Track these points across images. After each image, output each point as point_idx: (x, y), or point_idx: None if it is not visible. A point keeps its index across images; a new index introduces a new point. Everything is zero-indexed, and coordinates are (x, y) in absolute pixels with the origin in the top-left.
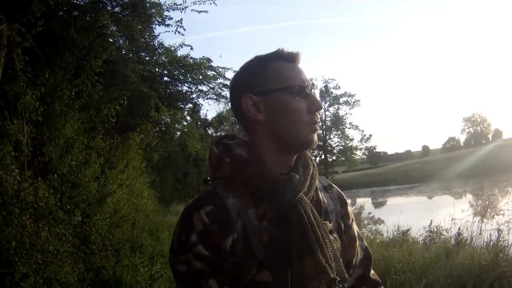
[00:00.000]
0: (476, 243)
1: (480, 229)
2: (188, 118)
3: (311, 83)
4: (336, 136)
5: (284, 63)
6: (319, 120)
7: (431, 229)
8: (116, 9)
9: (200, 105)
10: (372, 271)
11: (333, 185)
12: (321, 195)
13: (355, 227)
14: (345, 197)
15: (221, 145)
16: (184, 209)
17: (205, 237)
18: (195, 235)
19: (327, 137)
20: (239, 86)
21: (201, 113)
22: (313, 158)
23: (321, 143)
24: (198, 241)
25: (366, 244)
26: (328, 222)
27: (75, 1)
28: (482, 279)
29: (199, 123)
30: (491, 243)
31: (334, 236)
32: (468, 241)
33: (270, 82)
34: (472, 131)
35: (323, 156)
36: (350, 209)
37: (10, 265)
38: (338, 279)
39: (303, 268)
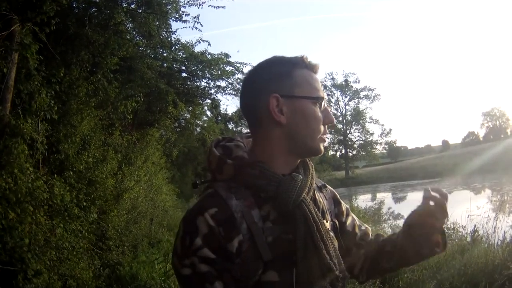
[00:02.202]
0: (492, 240)
1: (494, 227)
2: (208, 113)
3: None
4: (357, 131)
5: (309, 72)
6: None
7: (448, 226)
8: (132, 6)
9: (219, 101)
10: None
11: (327, 185)
12: (317, 195)
13: (350, 219)
14: (338, 196)
15: (220, 147)
16: (186, 212)
17: (211, 240)
18: (200, 238)
19: (348, 131)
20: (262, 84)
21: (221, 108)
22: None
23: (341, 138)
24: (204, 244)
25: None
26: (325, 221)
27: None
28: (494, 278)
29: (219, 118)
30: (505, 241)
31: (332, 234)
32: (484, 239)
33: (298, 87)
34: (491, 126)
35: (343, 151)
36: (344, 206)
37: (23, 262)
38: (341, 276)
39: (309, 267)
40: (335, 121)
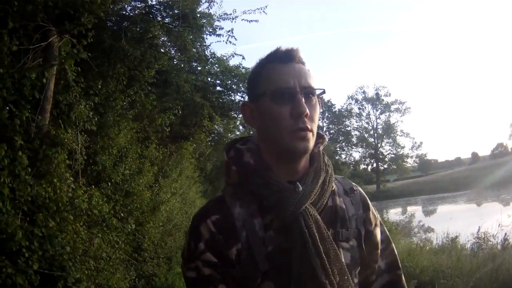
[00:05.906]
0: None
1: None
2: (241, 127)
3: (308, 85)
4: (388, 144)
5: (276, 65)
6: (308, 126)
7: (479, 236)
8: (167, 19)
9: None
10: (403, 280)
11: (357, 187)
12: (338, 200)
13: (378, 233)
14: (369, 201)
15: (233, 150)
16: (193, 217)
17: (212, 245)
18: (203, 243)
19: (379, 145)
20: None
21: None
22: (328, 160)
23: (372, 151)
24: (206, 248)
25: (393, 246)
26: (344, 230)
27: (125, 13)
28: None
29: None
30: None
31: (351, 244)
32: None
33: (259, 87)
34: None
35: (375, 165)
36: (373, 214)
37: (63, 269)
38: None
39: (303, 284)
40: (307, 110)
